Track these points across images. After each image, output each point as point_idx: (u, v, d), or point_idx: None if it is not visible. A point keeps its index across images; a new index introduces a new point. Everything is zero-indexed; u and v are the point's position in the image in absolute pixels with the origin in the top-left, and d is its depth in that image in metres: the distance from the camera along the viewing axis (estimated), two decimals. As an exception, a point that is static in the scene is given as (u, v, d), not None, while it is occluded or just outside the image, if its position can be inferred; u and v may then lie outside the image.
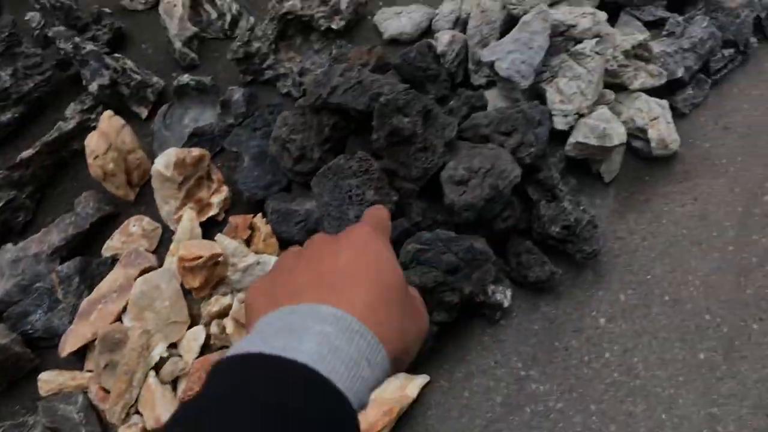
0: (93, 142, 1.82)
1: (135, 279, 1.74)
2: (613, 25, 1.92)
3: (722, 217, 1.76)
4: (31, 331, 1.69)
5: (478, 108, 1.72)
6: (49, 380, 1.63)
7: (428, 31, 2.03)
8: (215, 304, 1.65)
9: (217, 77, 2.14)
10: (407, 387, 1.53)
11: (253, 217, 1.80)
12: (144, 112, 2.08)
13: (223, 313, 1.66)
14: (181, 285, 1.67)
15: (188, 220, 1.80)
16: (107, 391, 1.59)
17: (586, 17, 1.69)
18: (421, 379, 1.55)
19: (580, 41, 1.72)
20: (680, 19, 1.77)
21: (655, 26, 1.87)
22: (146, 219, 1.90)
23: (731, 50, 1.81)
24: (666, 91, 1.80)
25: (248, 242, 1.77)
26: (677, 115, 1.87)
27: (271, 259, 1.64)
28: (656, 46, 1.74)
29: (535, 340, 1.65)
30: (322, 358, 0.42)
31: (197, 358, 1.60)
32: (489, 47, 1.67)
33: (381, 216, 0.61)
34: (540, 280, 1.60)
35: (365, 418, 1.42)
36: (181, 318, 1.70)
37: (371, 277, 0.50)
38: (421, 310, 0.56)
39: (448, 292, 1.47)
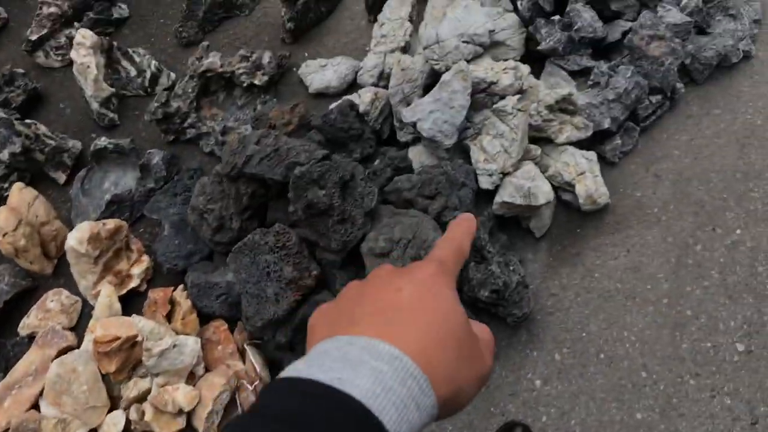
0: (2, 219, 1.75)
1: (52, 360, 1.66)
2: (538, 75, 1.91)
3: (655, 269, 1.75)
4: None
5: (402, 170, 1.70)
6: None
7: (354, 84, 1.99)
8: (133, 388, 1.59)
9: (139, 136, 2.08)
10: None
11: (174, 290, 1.74)
12: (62, 177, 2.01)
13: (141, 398, 1.60)
14: (98, 369, 1.61)
15: (106, 296, 1.73)
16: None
17: (507, 73, 1.68)
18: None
19: (503, 97, 1.69)
20: (605, 68, 1.77)
21: (581, 75, 1.85)
22: (65, 293, 1.84)
23: (659, 97, 1.82)
24: (594, 140, 1.78)
25: (169, 317, 1.71)
26: (607, 164, 1.86)
27: (188, 340, 1.58)
28: (582, 98, 1.73)
29: (470, 406, 1.62)
30: (375, 396, 0.43)
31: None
32: (410, 108, 1.64)
33: (458, 245, 0.59)
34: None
35: None
36: (100, 402, 1.63)
37: (429, 318, 0.50)
38: (482, 355, 0.54)
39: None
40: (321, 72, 2.02)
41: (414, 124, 1.70)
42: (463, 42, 1.78)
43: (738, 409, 1.53)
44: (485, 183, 1.68)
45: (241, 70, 1.96)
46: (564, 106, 1.73)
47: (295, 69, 2.11)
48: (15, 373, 1.70)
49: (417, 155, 1.80)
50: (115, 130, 2.10)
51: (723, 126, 1.90)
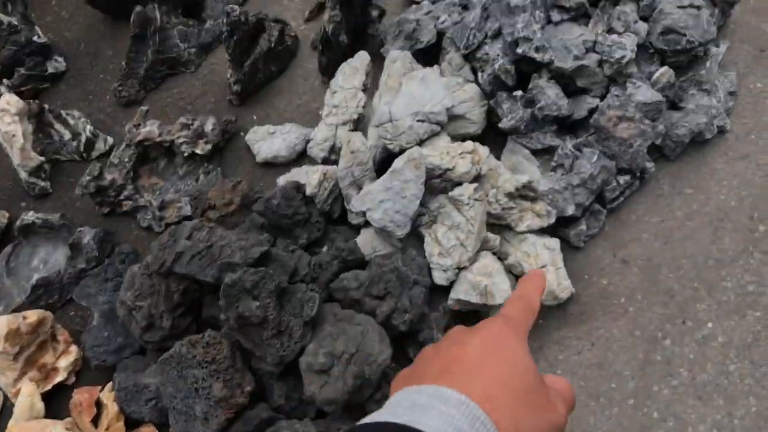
0: None
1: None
2: (501, 148, 1.81)
3: (621, 366, 1.66)
4: None
5: (350, 263, 1.58)
6: None
7: (305, 153, 1.87)
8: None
9: (73, 206, 1.95)
10: None
11: (101, 390, 1.61)
12: (-14, 252, 1.87)
13: None
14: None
15: (27, 396, 1.61)
16: None
17: (464, 158, 1.57)
18: None
19: (460, 183, 1.58)
20: (570, 148, 1.67)
21: (545, 152, 1.75)
22: (-17, 387, 1.70)
23: (627, 177, 1.72)
24: (559, 224, 1.69)
25: (95, 421, 1.59)
26: (572, 248, 1.75)
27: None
28: (544, 183, 1.63)
29: None
30: None
31: None
32: (359, 196, 1.53)
33: (527, 301, 0.63)
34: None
35: None
36: None
37: (495, 368, 0.53)
38: (553, 404, 0.56)
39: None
40: (269, 140, 1.90)
41: (364, 213, 1.58)
42: (418, 121, 1.66)
43: None
44: (439, 279, 1.57)
45: (181, 139, 1.84)
46: (525, 193, 1.63)
47: (242, 134, 1.99)
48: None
49: (369, 240, 1.69)
50: (47, 198, 1.96)
51: (695, 207, 1.80)
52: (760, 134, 1.87)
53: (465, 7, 1.93)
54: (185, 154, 1.85)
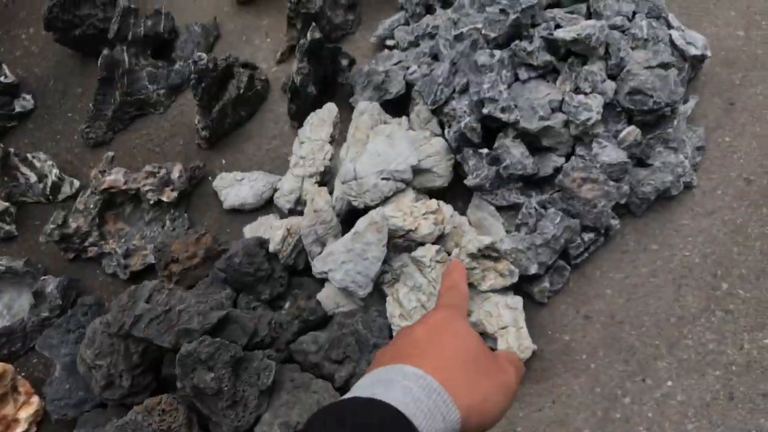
0: None
1: None
2: (467, 202, 1.82)
3: (581, 423, 1.69)
4: None
5: (311, 324, 1.60)
6: None
7: (272, 201, 1.88)
8: None
9: (39, 249, 1.96)
10: None
11: (60, 446, 1.62)
12: (-50, 296, 1.87)
13: None
14: None
15: (-16, 451, 1.61)
16: None
17: (427, 218, 1.59)
18: None
19: (422, 243, 1.60)
20: (535, 206, 1.69)
21: (510, 208, 1.76)
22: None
23: (592, 234, 1.73)
24: (522, 279, 1.71)
25: (54, 477, 1.60)
26: (536, 303, 1.77)
27: None
28: (508, 242, 1.65)
29: None
30: (406, 405, 0.52)
31: None
32: (321, 257, 1.55)
33: (458, 289, 0.75)
34: None
35: None
36: None
37: (443, 344, 0.61)
38: (504, 367, 0.64)
39: None
40: (236, 186, 1.91)
41: (325, 274, 1.60)
42: (383, 179, 1.68)
43: None
44: (399, 340, 1.58)
45: (147, 187, 1.85)
46: (487, 253, 1.64)
47: (210, 178, 1.99)
48: None
49: (332, 295, 1.71)
50: (13, 241, 1.96)
51: (660, 263, 1.82)
52: (726, 189, 1.90)
53: (435, 57, 1.94)
54: (151, 202, 1.85)
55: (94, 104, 2.00)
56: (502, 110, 1.69)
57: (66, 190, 1.96)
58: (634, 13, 1.92)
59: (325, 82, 1.96)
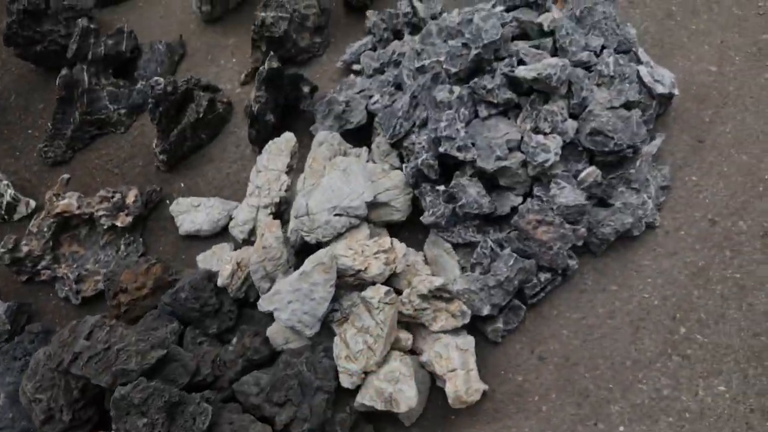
0: None
1: None
2: (424, 239, 1.80)
3: (530, 470, 1.66)
4: None
5: (255, 363, 1.58)
6: None
7: (228, 228, 1.85)
8: None
9: (-8, 269, 1.92)
10: None
11: (1, 476, 1.60)
12: None
13: None
14: None
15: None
16: None
17: (378, 258, 1.57)
18: None
19: (373, 283, 1.58)
20: (491, 245, 1.68)
21: (467, 245, 1.74)
22: None
23: (548, 275, 1.70)
24: (476, 318, 1.68)
25: None
26: (489, 341, 1.75)
27: None
28: (461, 282, 1.63)
29: None
30: None
31: None
32: (267, 296, 1.54)
33: None
34: None
35: None
36: None
37: None
38: None
39: None
40: (193, 213, 1.89)
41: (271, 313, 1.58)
42: (336, 215, 1.65)
43: None
44: (346, 382, 1.57)
45: (101, 212, 1.83)
46: (439, 294, 1.62)
47: (168, 201, 1.97)
48: None
49: (281, 331, 1.69)
50: (-34, 259, 1.93)
51: (618, 304, 1.80)
52: (689, 230, 1.87)
53: (399, 87, 1.91)
54: (104, 227, 1.82)
55: (53, 123, 1.98)
56: (459, 149, 1.66)
57: (21, 210, 1.94)
58: (603, 47, 1.89)
59: (287, 108, 1.93)
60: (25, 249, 1.78)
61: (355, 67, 2.06)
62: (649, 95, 1.85)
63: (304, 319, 1.58)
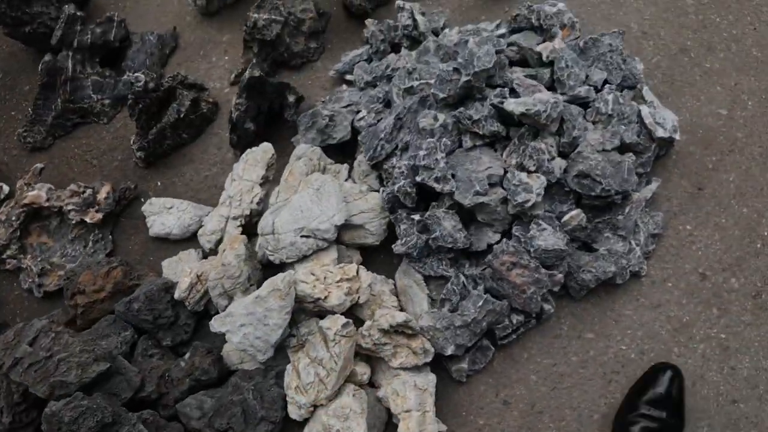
0: None
1: None
2: (398, 265, 1.72)
3: None
4: None
5: (203, 383, 1.52)
6: None
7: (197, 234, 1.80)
8: None
9: (-40, 252, 1.88)
10: None
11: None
12: None
13: None
14: None
15: None
16: None
17: (340, 287, 1.50)
18: None
19: (333, 312, 1.51)
20: (462, 281, 1.61)
21: (440, 278, 1.66)
22: None
23: (521, 317, 1.62)
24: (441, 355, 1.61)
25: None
26: (454, 380, 1.68)
27: None
28: (427, 318, 1.56)
29: None
30: None
31: None
32: (220, 317, 1.48)
33: None
34: None
35: None
36: None
37: None
38: None
39: None
40: (164, 215, 1.83)
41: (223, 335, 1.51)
42: (303, 236, 1.58)
43: None
44: (293, 413, 1.52)
45: (70, 207, 1.77)
46: (401, 329, 1.54)
47: (143, 200, 1.91)
48: None
49: (236, 351, 1.62)
50: (-65, 240, 1.90)
51: (592, 354, 1.71)
52: (677, 282, 1.77)
53: (388, 104, 1.82)
54: (72, 222, 1.77)
55: (34, 108, 1.92)
56: (437, 180, 1.58)
57: (-6, 194, 1.89)
58: (606, 82, 1.78)
59: (272, 116, 1.85)
60: (-10, 236, 1.73)
61: (348, 77, 1.97)
62: (649, 137, 1.74)
63: (256, 344, 1.52)
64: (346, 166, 1.81)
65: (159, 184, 1.95)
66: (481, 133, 1.61)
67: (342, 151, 1.87)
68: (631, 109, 1.71)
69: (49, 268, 1.81)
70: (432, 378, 1.63)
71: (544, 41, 1.84)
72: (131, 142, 1.88)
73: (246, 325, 1.51)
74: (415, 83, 1.72)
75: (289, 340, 1.60)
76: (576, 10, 2.04)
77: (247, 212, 1.72)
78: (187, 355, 1.61)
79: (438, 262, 1.67)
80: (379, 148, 1.69)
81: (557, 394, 1.70)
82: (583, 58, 1.76)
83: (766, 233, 1.79)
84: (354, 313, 1.66)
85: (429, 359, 1.61)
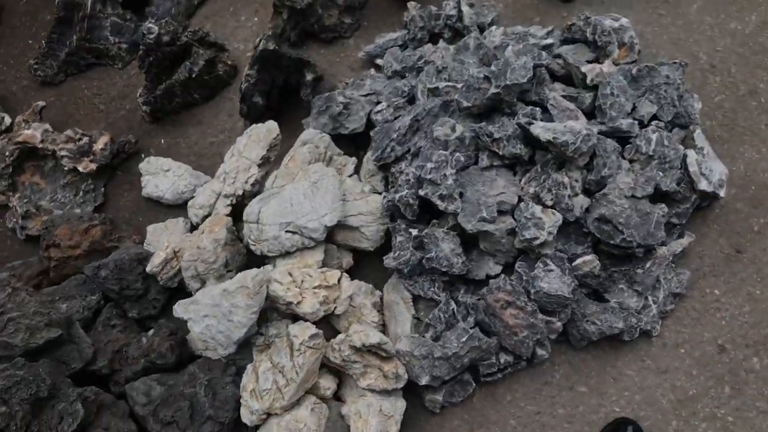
0: None
1: None
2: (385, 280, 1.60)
3: None
4: None
5: (159, 366, 1.44)
6: None
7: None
8: None
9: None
10: None
11: None
12: None
13: None
14: None
15: None
16: None
17: (316, 294, 1.39)
18: None
19: (305, 319, 1.41)
20: (452, 309, 1.49)
21: (429, 300, 1.53)
22: None
23: (510, 357, 1.49)
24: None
25: None
26: (427, 409, 1.56)
27: None
28: (405, 343, 1.46)
29: None
30: None
31: None
32: (183, 303, 1.41)
33: None
34: None
35: None
36: None
37: None
38: None
39: None
40: (160, 176, 1.74)
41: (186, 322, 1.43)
42: (288, 232, 1.47)
43: None
44: (245, 417, 1.43)
45: (64, 152, 1.70)
46: (374, 350, 1.43)
47: (143, 155, 1.82)
48: None
49: (205, 335, 1.54)
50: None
51: (581, 410, 1.57)
52: (691, 350, 1.60)
53: (411, 100, 1.67)
54: (65, 168, 1.70)
55: (48, 42, 1.85)
56: (441, 197, 1.43)
57: (-5, 123, 1.82)
58: (654, 117, 1.59)
59: (288, 90, 1.72)
60: (-21, 170, 1.67)
61: (379, 61, 1.83)
62: (691, 187, 1.55)
63: (218, 338, 1.42)
64: (354, 160, 1.68)
65: (162, 142, 1.86)
66: (500, 153, 1.46)
67: (354, 143, 1.73)
68: (676, 153, 1.53)
69: (35, 211, 1.74)
70: (401, 405, 1.51)
71: (596, 59, 1.66)
72: (137, 94, 1.78)
73: (209, 317, 1.42)
74: (442, 84, 1.56)
75: (256, 338, 1.50)
76: (640, 29, 1.84)
77: (240, 192, 1.61)
78: (150, 333, 1.52)
79: (430, 283, 1.54)
80: (388, 149, 1.55)
81: (535, 445, 1.57)
82: (633, 86, 1.57)
83: (803, 315, 1.61)
84: (330, 323, 1.54)
85: (399, 386, 1.49)
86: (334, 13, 1.83)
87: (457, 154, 1.45)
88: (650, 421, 1.55)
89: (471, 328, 1.47)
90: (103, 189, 1.79)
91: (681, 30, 1.88)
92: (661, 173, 1.48)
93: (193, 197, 1.70)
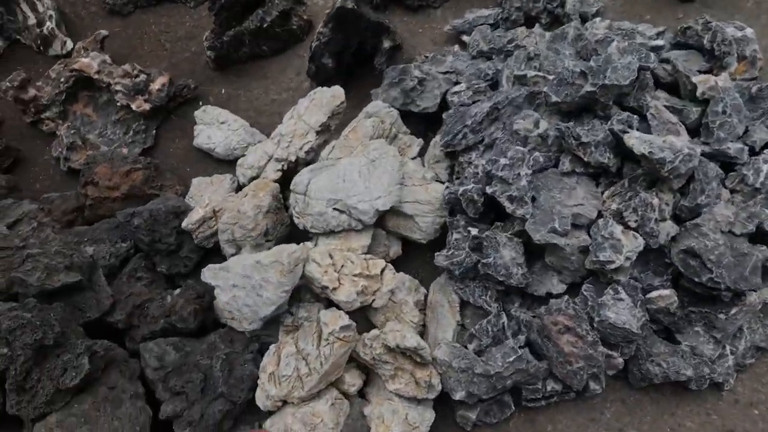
0: None
1: None
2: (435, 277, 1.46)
3: None
4: None
5: (178, 330, 1.35)
6: None
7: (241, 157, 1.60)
8: None
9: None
10: None
11: None
12: None
13: None
14: None
15: None
16: None
17: (355, 282, 1.28)
18: None
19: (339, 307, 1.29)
20: (501, 324, 1.37)
21: (478, 308, 1.39)
22: None
23: (559, 386, 1.34)
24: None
25: None
26: (458, 426, 1.43)
27: None
28: (444, 351, 1.32)
29: None
30: None
31: None
32: (212, 267, 1.34)
33: None
34: None
35: None
36: None
37: None
38: None
39: None
40: (214, 128, 1.64)
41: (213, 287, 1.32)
42: (335, 209, 1.34)
43: None
44: (260, 400, 1.32)
45: (119, 87, 1.60)
46: (409, 354, 1.30)
47: (201, 102, 1.71)
48: None
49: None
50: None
51: (627, 454, 1.40)
52: (766, 412, 1.41)
53: (494, 86, 1.51)
54: (118, 104, 1.61)
55: (121, -31, 1.74)
56: (510, 199, 1.28)
57: (56, 47, 1.75)
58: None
59: (363, 56, 1.58)
60: (31, 92, 1.60)
61: (465, 38, 1.67)
62: (799, 231, 1.35)
63: (244, 311, 1.31)
64: (420, 141, 1.54)
65: (223, 92, 1.75)
66: (585, 159, 1.29)
67: (424, 123, 1.59)
68: (789, 190, 1.33)
69: (81, 144, 1.66)
70: (429, 416, 1.38)
71: (709, 70, 1.46)
72: (203, 38, 1.67)
73: (238, 287, 1.31)
74: (531, 73, 1.40)
75: (285, 317, 1.38)
76: (765, 44, 1.62)
77: (293, 158, 1.48)
78: (176, 291, 1.43)
79: (483, 290, 1.39)
80: (459, 136, 1.40)
81: (569, 485, 1.41)
82: (750, 107, 1.37)
83: None
84: (365, 315, 1.41)
85: (431, 397, 1.36)
86: (426, -21, 1.68)
87: (536, 153, 1.29)
88: (704, 484, 1.38)
89: (520, 347, 1.32)
90: (154, 132, 1.70)
91: (814, 51, 1.65)
92: (767, 210, 1.28)
93: (244, 155, 1.59)
